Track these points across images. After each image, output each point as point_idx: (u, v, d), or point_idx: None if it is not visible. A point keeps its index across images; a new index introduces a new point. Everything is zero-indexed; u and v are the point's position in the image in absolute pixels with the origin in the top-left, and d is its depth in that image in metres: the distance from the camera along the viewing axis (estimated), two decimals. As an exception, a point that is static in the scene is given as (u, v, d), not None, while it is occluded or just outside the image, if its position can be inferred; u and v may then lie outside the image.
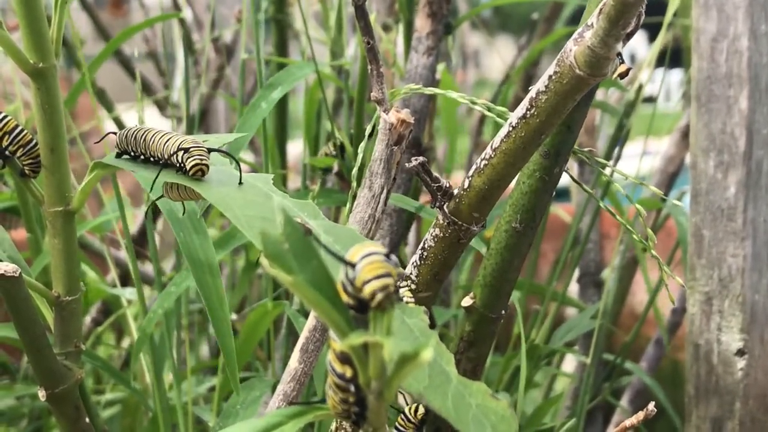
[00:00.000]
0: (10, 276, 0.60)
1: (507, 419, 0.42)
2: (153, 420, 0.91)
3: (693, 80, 0.86)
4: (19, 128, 0.63)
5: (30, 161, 0.64)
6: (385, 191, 0.65)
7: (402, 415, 0.63)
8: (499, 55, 1.71)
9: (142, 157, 0.56)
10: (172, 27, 1.85)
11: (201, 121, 1.44)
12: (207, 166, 0.51)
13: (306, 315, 1.01)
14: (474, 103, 0.62)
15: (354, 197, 0.66)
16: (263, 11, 1.26)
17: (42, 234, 0.94)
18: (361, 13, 0.62)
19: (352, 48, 1.54)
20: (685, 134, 1.28)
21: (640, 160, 1.22)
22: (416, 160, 0.56)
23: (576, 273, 1.18)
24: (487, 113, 0.60)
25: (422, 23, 0.84)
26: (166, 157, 0.53)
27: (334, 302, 0.37)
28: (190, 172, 0.51)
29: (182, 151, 0.51)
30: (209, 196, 0.50)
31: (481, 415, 0.42)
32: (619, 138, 1.04)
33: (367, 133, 0.63)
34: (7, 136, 0.63)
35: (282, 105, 1.20)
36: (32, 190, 0.65)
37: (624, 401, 1.24)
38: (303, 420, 0.44)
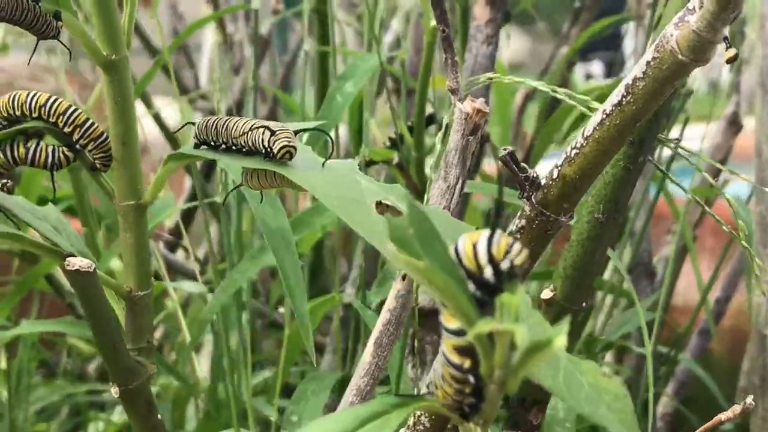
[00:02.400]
0: (84, 271, 0.60)
1: (621, 398, 0.41)
2: (208, 415, 0.91)
3: (759, 67, 0.85)
4: (90, 121, 0.62)
5: (101, 155, 0.63)
6: (460, 182, 0.64)
7: None
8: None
9: (223, 146, 0.55)
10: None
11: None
12: (295, 148, 0.50)
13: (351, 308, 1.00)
14: (555, 91, 0.61)
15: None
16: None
17: (97, 228, 0.94)
18: (436, 1, 0.61)
19: (390, 35, 1.53)
20: (732, 122, 1.26)
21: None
22: (505, 150, 0.55)
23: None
24: (570, 101, 0.59)
25: (481, 11, 0.83)
26: (250, 143, 0.52)
27: (461, 288, 0.36)
28: (278, 155, 0.50)
29: (269, 134, 0.50)
30: (297, 179, 0.50)
31: (594, 394, 0.41)
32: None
33: (444, 122, 0.62)
34: (78, 129, 0.62)
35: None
36: (102, 184, 0.64)
37: (669, 392, 1.23)
38: (408, 410, 0.43)
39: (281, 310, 1.12)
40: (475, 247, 0.35)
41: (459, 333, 0.37)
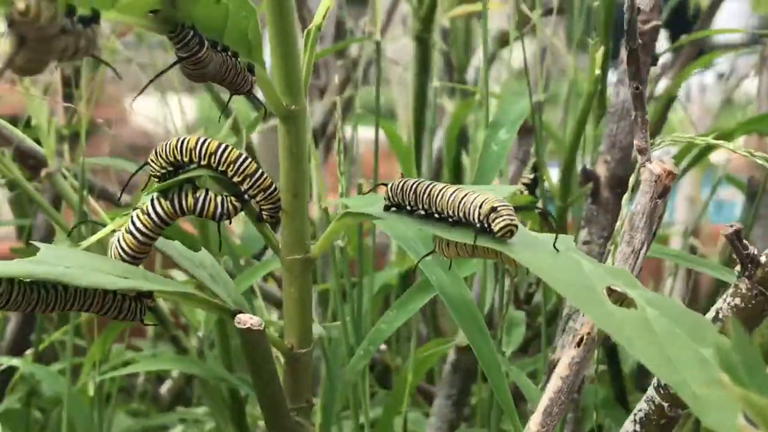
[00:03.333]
0: (255, 329, 0.57)
1: None
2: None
3: None
4: (261, 171, 0.60)
5: (269, 206, 0.60)
6: (645, 247, 0.61)
7: None
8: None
9: (422, 211, 0.52)
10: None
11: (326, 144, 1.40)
12: (516, 226, 0.47)
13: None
14: (752, 154, 0.58)
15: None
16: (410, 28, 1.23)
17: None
18: (633, 57, 0.58)
19: (477, 60, 1.49)
20: None
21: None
22: (732, 226, 0.52)
23: None
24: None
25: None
26: (461, 214, 0.49)
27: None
28: (499, 233, 0.47)
29: (489, 209, 0.47)
30: (519, 259, 0.47)
31: None
32: None
33: (630, 183, 0.59)
34: (248, 179, 0.59)
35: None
36: (268, 236, 0.62)
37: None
38: None
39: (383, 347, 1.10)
40: None
41: None
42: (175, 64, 0.48)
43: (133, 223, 0.57)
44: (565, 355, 0.63)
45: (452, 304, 0.64)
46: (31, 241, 0.56)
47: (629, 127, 0.79)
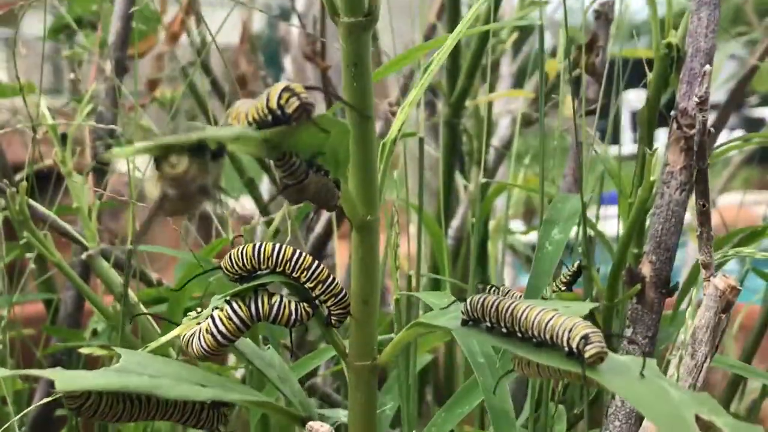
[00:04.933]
0: (326, 438, 0.58)
1: None
2: None
3: None
4: (332, 277, 0.61)
5: (339, 311, 0.61)
6: (708, 360, 0.63)
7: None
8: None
9: (503, 329, 0.53)
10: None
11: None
12: (607, 353, 0.48)
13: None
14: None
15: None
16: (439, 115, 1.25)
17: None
18: (702, 177, 0.60)
19: (498, 140, 1.52)
20: None
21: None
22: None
23: None
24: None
25: (675, 158, 0.82)
26: (547, 336, 0.50)
27: None
28: (590, 360, 0.48)
29: (580, 337, 0.48)
30: (609, 385, 0.48)
31: None
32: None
33: (692, 297, 0.60)
34: (320, 285, 0.61)
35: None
36: (335, 340, 0.63)
37: None
38: None
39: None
40: None
41: None
42: (282, 191, 0.50)
43: (215, 325, 0.58)
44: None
45: (494, 415, 0.65)
46: (113, 347, 0.56)
47: (675, 228, 0.81)
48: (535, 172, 1.70)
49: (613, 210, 0.95)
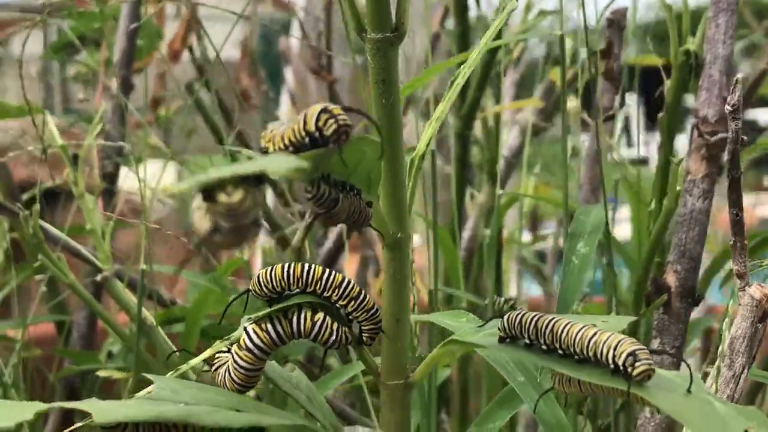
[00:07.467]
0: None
1: None
2: None
3: None
4: (363, 293, 0.60)
5: (371, 326, 0.61)
6: (746, 371, 0.62)
7: None
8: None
9: (543, 346, 0.52)
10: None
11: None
12: (654, 370, 0.48)
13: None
14: None
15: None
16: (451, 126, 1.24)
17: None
18: (735, 186, 0.60)
19: (507, 150, 1.51)
20: None
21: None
22: None
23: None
24: None
25: (696, 166, 0.81)
26: (591, 353, 0.49)
27: None
28: (637, 377, 0.47)
29: (626, 354, 0.48)
30: (658, 403, 0.47)
31: None
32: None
33: (728, 308, 0.59)
34: (352, 302, 0.60)
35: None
36: (367, 359, 0.62)
37: None
38: None
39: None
40: None
41: None
42: (313, 221, 0.49)
43: (251, 339, 0.57)
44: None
45: (544, 422, 0.64)
46: (143, 377, 0.55)
47: (698, 236, 0.80)
48: (543, 181, 1.70)
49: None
